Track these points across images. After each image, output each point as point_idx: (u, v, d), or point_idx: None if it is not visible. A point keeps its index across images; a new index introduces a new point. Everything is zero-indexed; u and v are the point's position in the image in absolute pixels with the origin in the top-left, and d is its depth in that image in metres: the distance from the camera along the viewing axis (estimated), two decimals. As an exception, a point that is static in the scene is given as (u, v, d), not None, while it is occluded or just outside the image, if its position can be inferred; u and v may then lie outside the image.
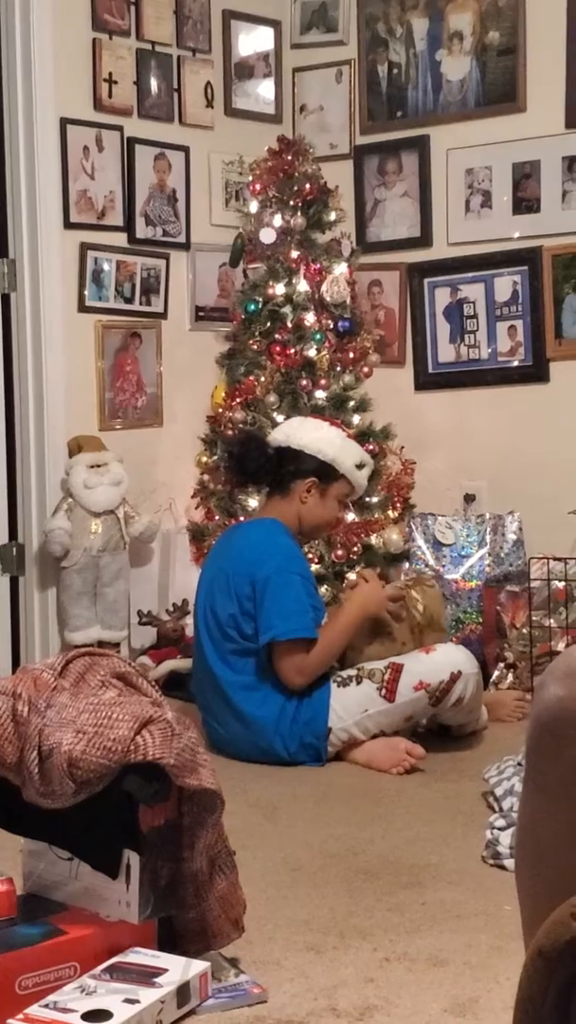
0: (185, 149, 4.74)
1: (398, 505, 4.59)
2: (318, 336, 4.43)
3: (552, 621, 4.10)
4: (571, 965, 1.09)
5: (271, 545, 3.62)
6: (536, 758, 1.30)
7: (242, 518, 4.35)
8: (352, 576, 4.01)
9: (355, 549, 4.35)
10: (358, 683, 3.51)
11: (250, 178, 4.63)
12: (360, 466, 3.80)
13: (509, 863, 2.62)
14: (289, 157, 4.54)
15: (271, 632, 3.49)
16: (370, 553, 4.40)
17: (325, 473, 3.72)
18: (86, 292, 4.46)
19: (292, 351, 4.42)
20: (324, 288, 4.48)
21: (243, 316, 4.53)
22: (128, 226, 4.58)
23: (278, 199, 4.54)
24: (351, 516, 4.32)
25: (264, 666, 3.55)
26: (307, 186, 4.53)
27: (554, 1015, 1.09)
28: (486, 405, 4.77)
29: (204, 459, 4.62)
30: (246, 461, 3.75)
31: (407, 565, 4.52)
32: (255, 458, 3.73)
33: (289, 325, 4.44)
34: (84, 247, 4.44)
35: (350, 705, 3.48)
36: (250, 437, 3.90)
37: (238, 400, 4.45)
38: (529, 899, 1.33)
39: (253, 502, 4.32)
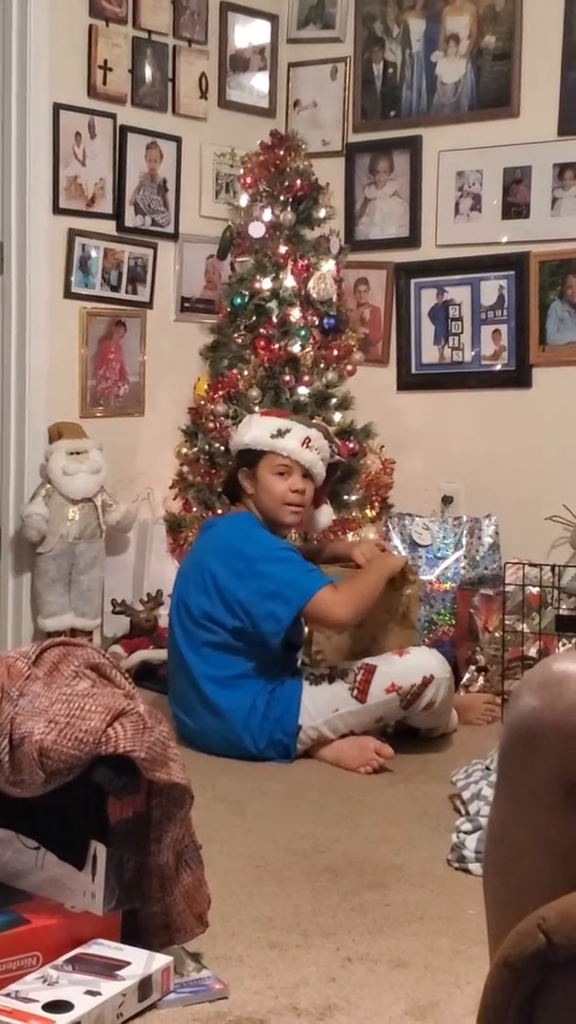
0: (177, 139, 4.73)
1: (376, 504, 4.60)
2: (303, 332, 4.43)
3: (525, 626, 4.11)
4: (536, 976, 1.09)
5: (247, 536, 3.62)
6: (508, 767, 1.31)
7: (220, 510, 4.35)
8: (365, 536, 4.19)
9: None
10: (330, 682, 3.52)
11: (241, 171, 4.63)
12: (280, 433, 3.71)
13: (474, 867, 2.63)
14: (281, 152, 4.54)
15: (290, 606, 3.48)
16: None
17: (248, 458, 3.73)
18: (72, 278, 4.44)
19: (276, 346, 4.42)
20: (311, 284, 4.48)
21: (229, 309, 4.52)
22: (117, 214, 4.56)
23: (268, 193, 4.54)
24: (328, 510, 4.30)
25: (237, 660, 3.56)
26: (298, 182, 4.53)
27: (517, 1026, 1.10)
28: (467, 408, 4.78)
29: (184, 450, 4.62)
30: (227, 482, 3.91)
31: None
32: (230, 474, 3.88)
33: (274, 320, 4.44)
34: (72, 233, 4.43)
35: (321, 704, 3.49)
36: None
37: (220, 393, 4.45)
38: (496, 907, 1.34)
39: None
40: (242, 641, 3.55)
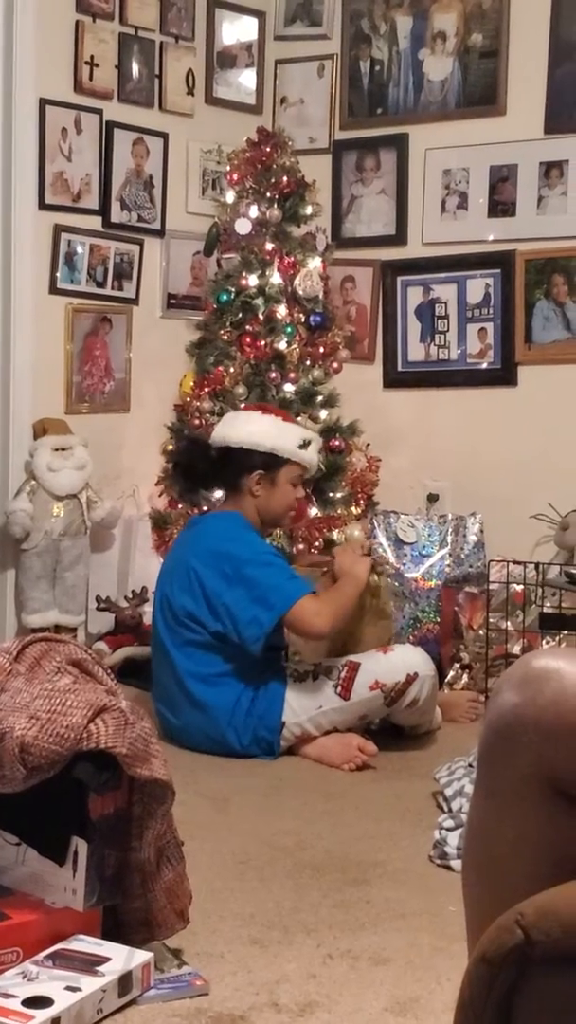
0: (164, 135, 4.72)
1: (361, 502, 4.59)
2: (289, 329, 4.42)
3: (509, 624, 4.12)
4: (513, 972, 1.09)
5: (237, 539, 3.60)
6: (488, 764, 1.30)
7: (205, 508, 4.34)
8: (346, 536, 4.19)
9: (317, 544, 4.35)
10: (314, 679, 3.52)
11: (228, 168, 4.61)
12: (304, 444, 3.74)
13: (456, 864, 2.63)
14: (268, 149, 4.53)
15: (272, 612, 3.47)
16: (331, 549, 4.40)
17: (268, 463, 3.70)
18: (58, 274, 4.44)
19: (262, 343, 4.41)
20: (297, 282, 4.47)
21: (215, 306, 4.51)
22: (103, 210, 4.56)
23: (255, 190, 4.53)
24: (314, 511, 4.32)
25: (221, 658, 3.55)
26: (284, 179, 4.51)
27: (494, 1021, 1.10)
28: (453, 406, 4.78)
29: (170, 447, 4.61)
30: (191, 468, 3.84)
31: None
32: (199, 463, 3.79)
33: (260, 317, 4.43)
34: (58, 229, 4.42)
35: (305, 701, 3.49)
36: (192, 443, 3.94)
37: (206, 390, 4.44)
38: (475, 903, 1.34)
39: (218, 492, 4.31)
40: (223, 643, 3.54)
